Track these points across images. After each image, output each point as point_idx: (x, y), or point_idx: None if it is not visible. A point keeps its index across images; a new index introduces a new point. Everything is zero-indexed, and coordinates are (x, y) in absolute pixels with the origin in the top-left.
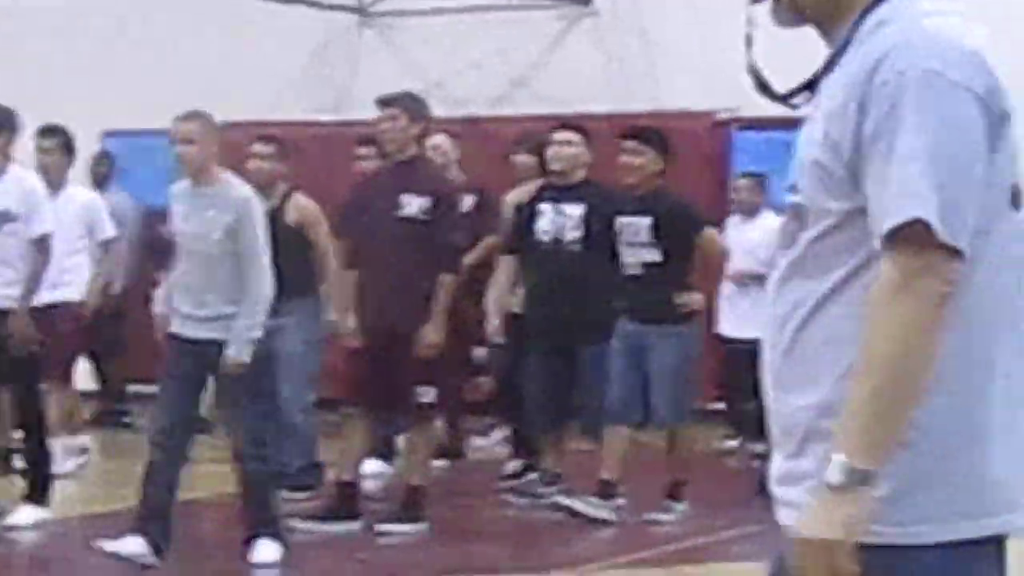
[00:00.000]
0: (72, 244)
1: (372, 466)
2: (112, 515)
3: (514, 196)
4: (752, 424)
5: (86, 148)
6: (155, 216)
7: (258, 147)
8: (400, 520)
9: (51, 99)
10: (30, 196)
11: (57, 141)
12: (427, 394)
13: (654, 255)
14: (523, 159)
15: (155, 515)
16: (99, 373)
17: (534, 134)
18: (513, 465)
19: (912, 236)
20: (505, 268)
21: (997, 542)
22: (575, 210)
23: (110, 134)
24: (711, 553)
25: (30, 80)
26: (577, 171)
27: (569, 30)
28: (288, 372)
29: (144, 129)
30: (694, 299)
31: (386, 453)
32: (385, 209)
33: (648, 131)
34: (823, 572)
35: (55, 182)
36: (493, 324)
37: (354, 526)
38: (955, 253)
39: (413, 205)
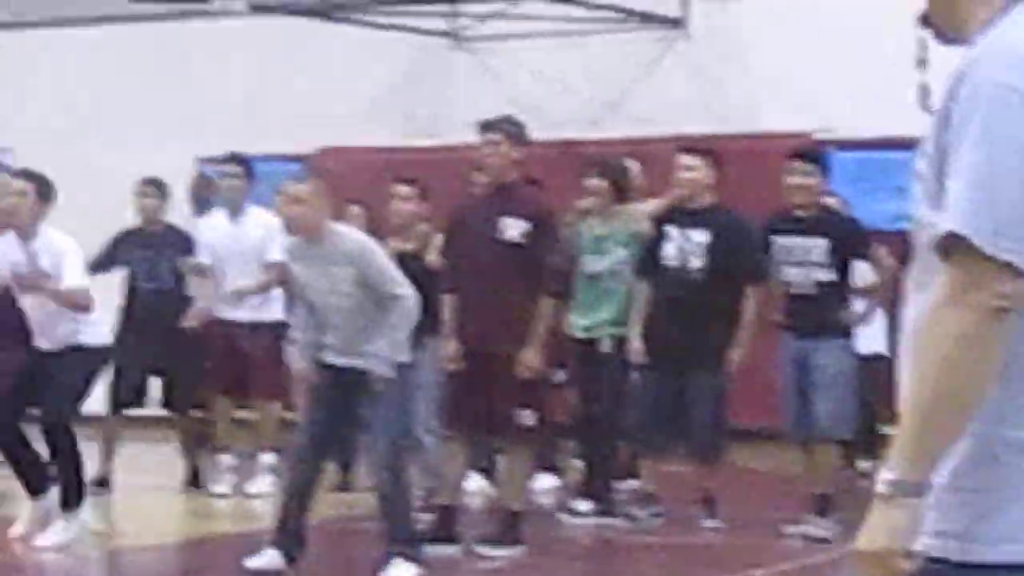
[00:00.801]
0: (251, 267)
1: (474, 483)
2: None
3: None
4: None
5: (182, 173)
6: None
7: (400, 188)
8: (499, 543)
9: (154, 124)
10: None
11: (241, 169)
12: (527, 417)
13: (830, 275)
14: (594, 183)
15: (290, 531)
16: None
17: (608, 158)
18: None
19: (960, 250)
20: (641, 292)
21: None
22: (701, 237)
23: (206, 160)
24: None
25: (108, 104)
26: (703, 195)
27: (664, 52)
28: (422, 399)
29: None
30: (854, 313)
31: (488, 469)
32: (485, 233)
33: (814, 151)
34: None
35: (236, 207)
36: (635, 347)
37: (453, 550)
38: (1009, 268)
39: (513, 229)
